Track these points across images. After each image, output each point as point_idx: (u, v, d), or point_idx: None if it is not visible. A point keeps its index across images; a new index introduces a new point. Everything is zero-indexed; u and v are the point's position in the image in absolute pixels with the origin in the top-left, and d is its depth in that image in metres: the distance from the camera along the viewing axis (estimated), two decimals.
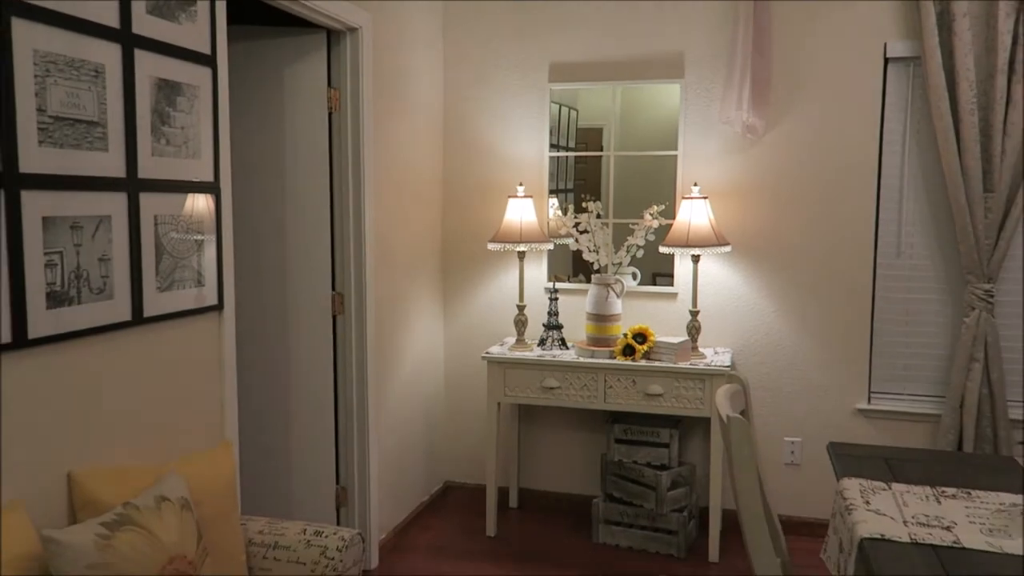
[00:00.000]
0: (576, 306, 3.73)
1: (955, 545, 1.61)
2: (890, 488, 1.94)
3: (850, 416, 3.57)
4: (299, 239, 3.16)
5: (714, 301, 3.64)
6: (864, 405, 3.55)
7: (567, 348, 3.60)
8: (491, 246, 3.57)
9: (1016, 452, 3.36)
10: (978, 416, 3.30)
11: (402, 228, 3.57)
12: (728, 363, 3.32)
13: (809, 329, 3.58)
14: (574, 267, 3.87)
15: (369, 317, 3.21)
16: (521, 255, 3.62)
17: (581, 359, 3.42)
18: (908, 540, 1.64)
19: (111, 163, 1.94)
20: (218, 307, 2.35)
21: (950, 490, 1.93)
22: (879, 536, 1.65)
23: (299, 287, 3.18)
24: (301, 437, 3.22)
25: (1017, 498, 1.87)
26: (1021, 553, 1.57)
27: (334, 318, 3.18)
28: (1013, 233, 3.25)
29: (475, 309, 3.99)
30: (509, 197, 3.61)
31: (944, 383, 3.47)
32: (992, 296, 3.29)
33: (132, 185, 2.00)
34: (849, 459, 2.16)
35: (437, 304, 3.99)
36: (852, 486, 1.95)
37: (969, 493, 1.91)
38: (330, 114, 3.10)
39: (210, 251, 2.31)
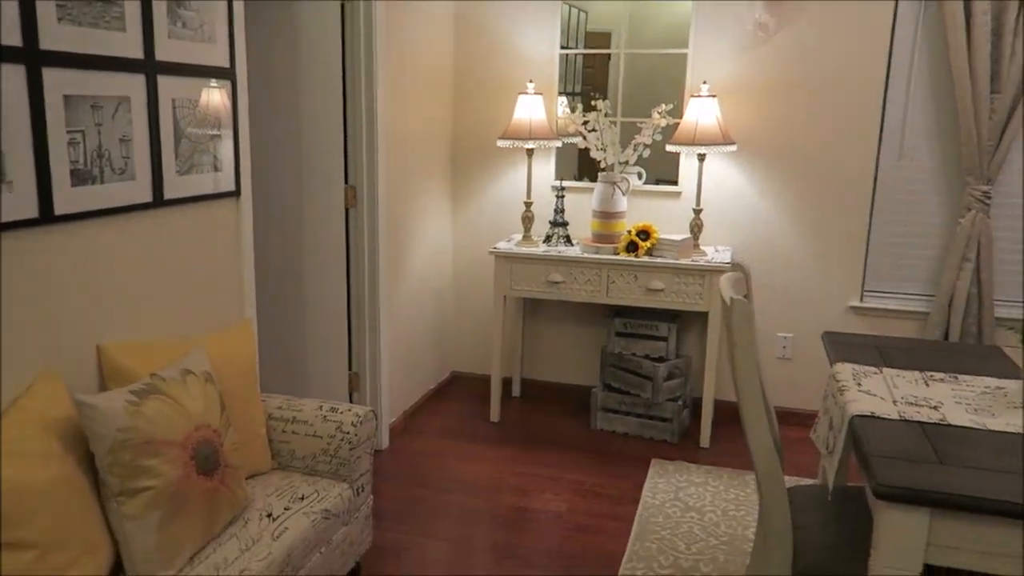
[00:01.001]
0: (581, 205, 3.73)
1: (941, 422, 1.67)
2: (881, 372, 1.99)
3: (842, 313, 3.62)
4: (313, 133, 3.12)
5: (716, 200, 3.63)
6: (856, 303, 3.59)
7: (572, 245, 3.62)
8: (500, 143, 3.54)
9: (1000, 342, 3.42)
10: (965, 314, 3.35)
11: (414, 123, 3.52)
12: (728, 260, 3.34)
13: (808, 229, 3.59)
14: (580, 169, 3.84)
15: (380, 211, 3.21)
16: (530, 152, 3.59)
17: (586, 255, 3.44)
18: (897, 417, 1.69)
19: (129, 43, 1.90)
20: (235, 193, 2.35)
21: (938, 374, 1.98)
22: (869, 414, 1.70)
23: (313, 180, 3.16)
24: (315, 324, 3.28)
25: (1001, 382, 1.92)
26: (1004, 430, 1.63)
27: (347, 211, 3.18)
28: (1015, 135, 3.22)
29: (483, 205, 3.99)
30: (519, 94, 3.54)
31: (935, 282, 3.50)
32: (989, 197, 3.28)
33: (150, 67, 1.97)
34: (843, 346, 2.20)
35: (446, 200, 3.98)
36: (845, 370, 2.00)
37: (956, 377, 1.96)
38: (343, 6, 3.01)
39: (227, 137, 2.29)
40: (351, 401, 3.35)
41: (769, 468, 1.74)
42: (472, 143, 3.94)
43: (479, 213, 4.00)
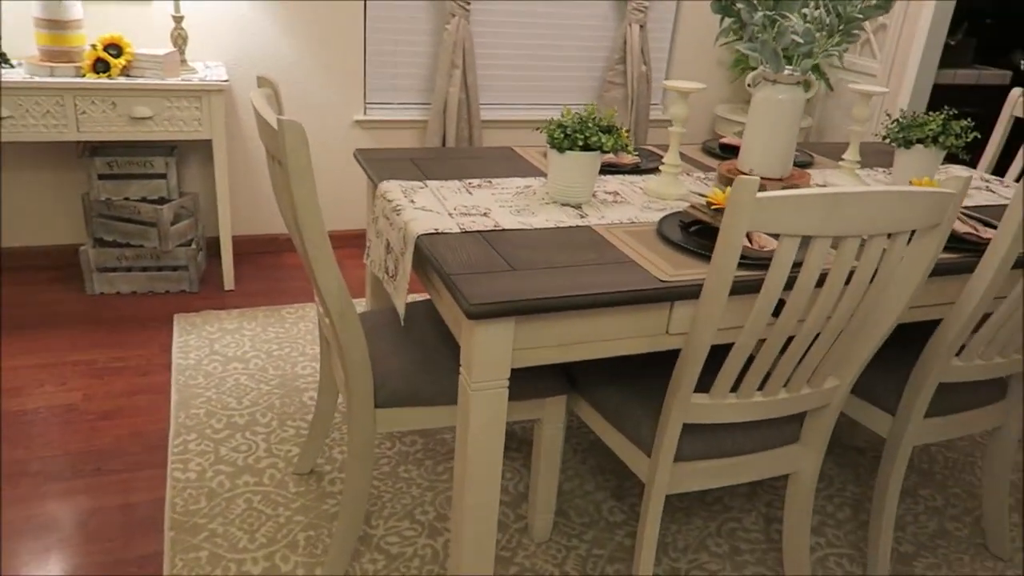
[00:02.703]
0: (16, 11, 2.81)
1: (496, 228, 1.66)
2: (427, 185, 1.91)
3: (349, 128, 3.50)
4: None
5: (199, 7, 3.07)
6: (361, 116, 3.49)
7: (12, 66, 2.73)
8: None
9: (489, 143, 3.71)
10: (458, 119, 3.51)
11: None
12: (224, 77, 2.88)
13: (305, 42, 3.28)
14: None
15: None
16: None
17: (37, 78, 2.63)
18: (459, 230, 1.63)
19: None
20: None
21: (475, 180, 1.98)
22: (433, 231, 1.61)
23: None
24: None
25: (527, 180, 2.00)
26: (545, 226, 1.69)
27: None
28: None
29: None
30: None
31: (430, 91, 3.58)
32: (469, 3, 3.37)
33: None
34: (379, 163, 2.06)
35: None
36: (393, 188, 1.87)
37: (491, 182, 1.98)
38: None
39: None
40: None
41: (343, 308, 1.55)
42: None
43: None
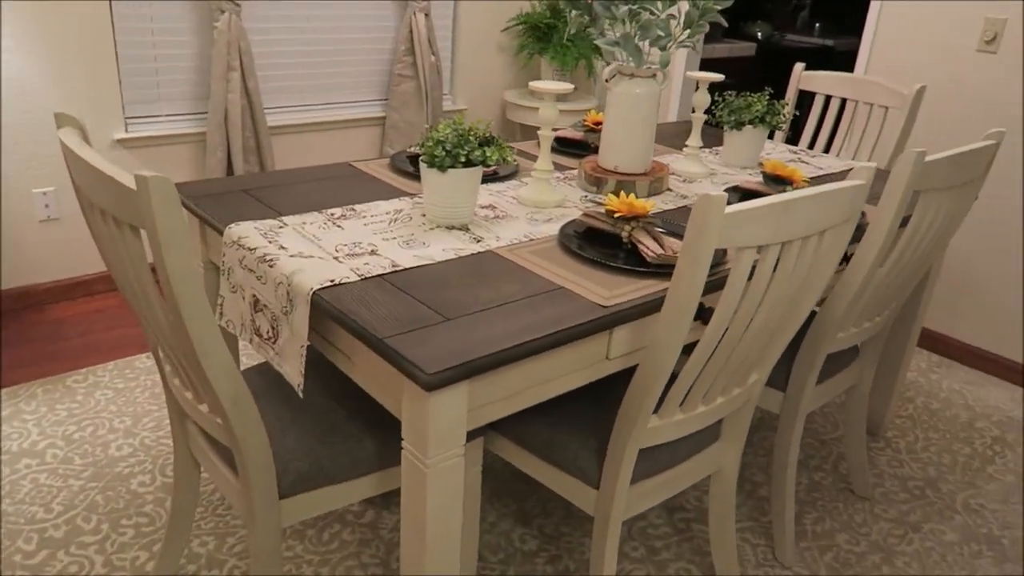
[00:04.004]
0: None
1: (396, 269, 1.43)
2: (285, 223, 1.61)
3: (108, 150, 2.94)
4: None
5: None
6: (122, 134, 2.95)
7: None
8: None
9: (271, 156, 3.35)
10: (242, 128, 3.11)
11: None
12: None
13: (40, 54, 2.69)
14: None
15: None
16: None
17: None
18: (357, 277, 1.38)
19: None
20: None
21: (336, 211, 1.71)
22: (330, 283, 1.34)
23: None
24: None
25: (390, 203, 1.78)
26: (449, 257, 1.50)
27: None
28: None
29: None
30: None
31: (203, 99, 3.12)
32: None
33: None
34: (207, 200, 1.71)
35: None
36: (248, 232, 1.54)
37: (354, 209, 1.72)
38: None
39: None
40: None
41: (236, 394, 1.25)
42: None
43: None
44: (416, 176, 1.97)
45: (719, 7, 1.80)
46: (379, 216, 1.70)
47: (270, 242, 1.51)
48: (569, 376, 1.39)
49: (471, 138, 1.60)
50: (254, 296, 1.49)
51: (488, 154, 1.61)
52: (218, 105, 3.02)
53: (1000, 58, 2.75)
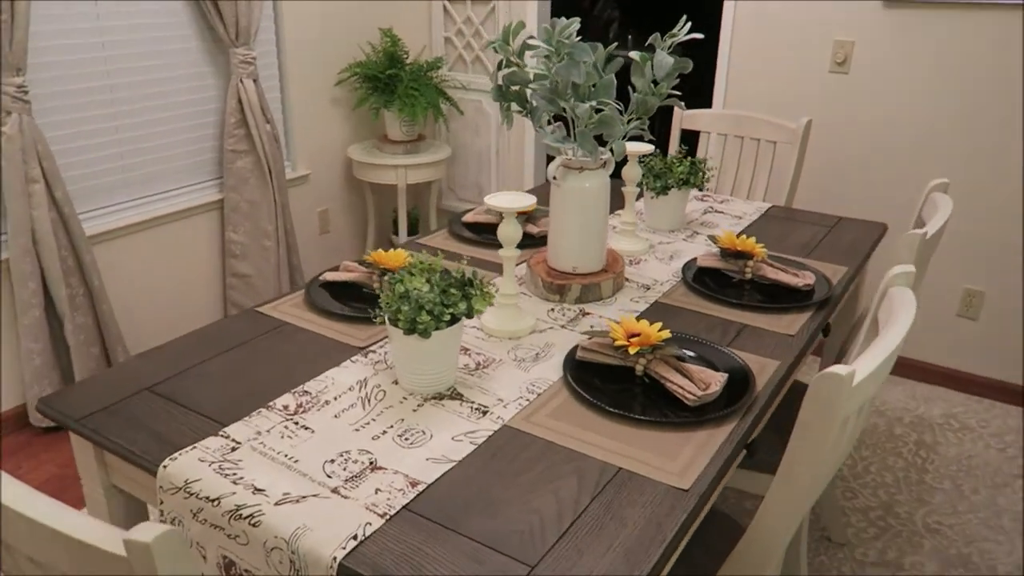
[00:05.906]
0: None
1: (419, 489, 1.12)
2: (238, 444, 1.22)
3: None
4: None
5: None
6: None
7: None
8: None
9: (97, 273, 2.78)
10: (57, 247, 2.52)
11: None
12: None
13: None
14: None
15: None
16: None
17: None
18: (381, 520, 1.05)
19: None
20: None
21: (284, 400, 1.33)
22: (354, 540, 1.01)
23: None
24: None
25: (347, 372, 1.44)
26: (464, 452, 1.21)
27: None
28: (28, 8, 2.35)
29: None
30: None
31: (3, 218, 2.50)
32: (27, 92, 2.38)
33: None
34: (107, 416, 1.27)
35: None
36: (196, 468, 1.14)
37: (309, 393, 1.36)
38: None
39: None
40: None
41: None
42: None
43: None
44: (345, 301, 1.64)
45: (674, 86, 1.63)
46: (342, 399, 1.35)
47: (235, 483, 1.13)
48: None
49: (453, 292, 1.31)
50: (226, 559, 1.11)
51: (475, 305, 1.33)
52: (22, 226, 2.42)
53: (852, 77, 2.86)
